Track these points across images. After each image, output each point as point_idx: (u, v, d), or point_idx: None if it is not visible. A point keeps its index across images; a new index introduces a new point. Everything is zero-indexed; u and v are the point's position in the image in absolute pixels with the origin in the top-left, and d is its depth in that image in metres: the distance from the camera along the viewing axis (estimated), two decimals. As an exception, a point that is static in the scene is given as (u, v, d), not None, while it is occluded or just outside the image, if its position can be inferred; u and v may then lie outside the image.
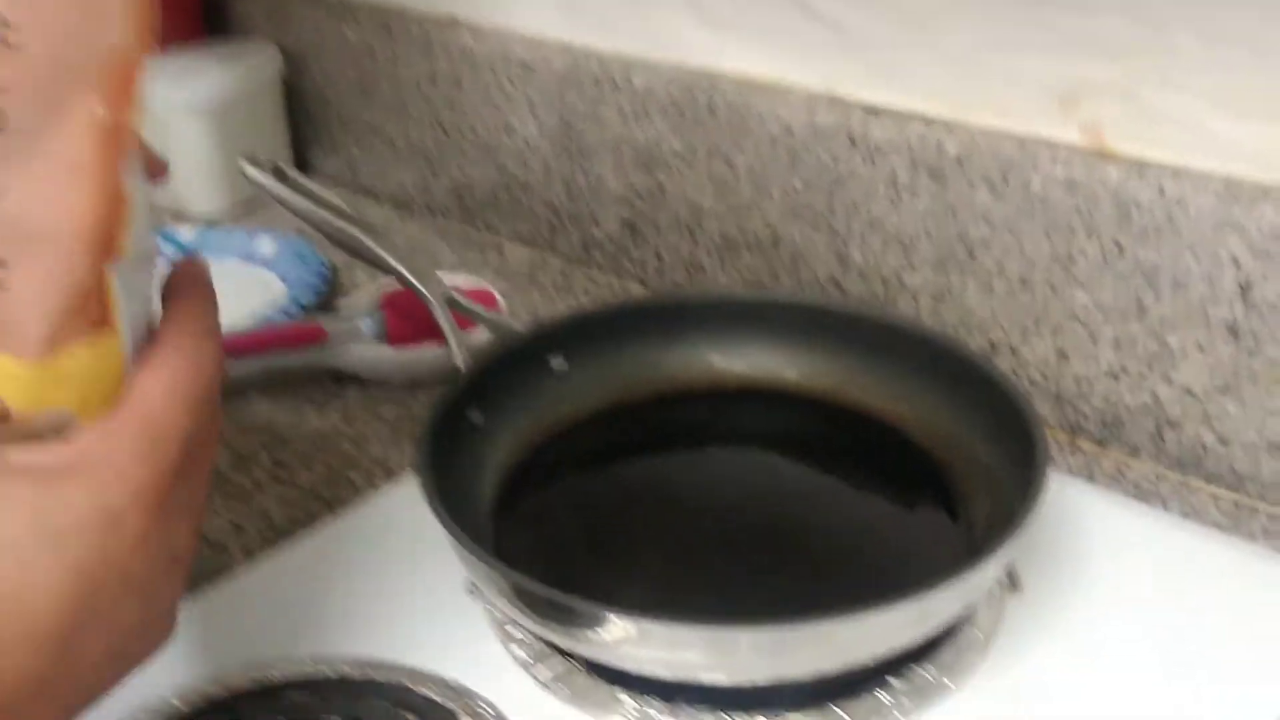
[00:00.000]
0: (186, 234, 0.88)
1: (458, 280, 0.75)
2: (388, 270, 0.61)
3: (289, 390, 0.70)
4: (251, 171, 0.63)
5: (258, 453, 0.64)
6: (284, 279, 0.82)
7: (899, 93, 0.65)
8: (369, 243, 0.61)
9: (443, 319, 0.58)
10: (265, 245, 0.86)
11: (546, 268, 0.85)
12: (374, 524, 0.57)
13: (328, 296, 0.79)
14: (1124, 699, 0.46)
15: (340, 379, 0.71)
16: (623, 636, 0.43)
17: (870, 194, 0.66)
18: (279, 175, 0.64)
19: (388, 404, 0.68)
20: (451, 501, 0.50)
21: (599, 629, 0.43)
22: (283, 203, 0.63)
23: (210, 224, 0.91)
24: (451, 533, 0.46)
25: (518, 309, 0.79)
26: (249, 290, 0.82)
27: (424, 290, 0.59)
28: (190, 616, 0.52)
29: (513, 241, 0.88)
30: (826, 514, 0.56)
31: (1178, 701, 0.46)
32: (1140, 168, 0.56)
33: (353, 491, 0.61)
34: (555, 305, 0.80)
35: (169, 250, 0.87)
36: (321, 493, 0.61)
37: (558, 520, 0.55)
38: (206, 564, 0.56)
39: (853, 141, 0.66)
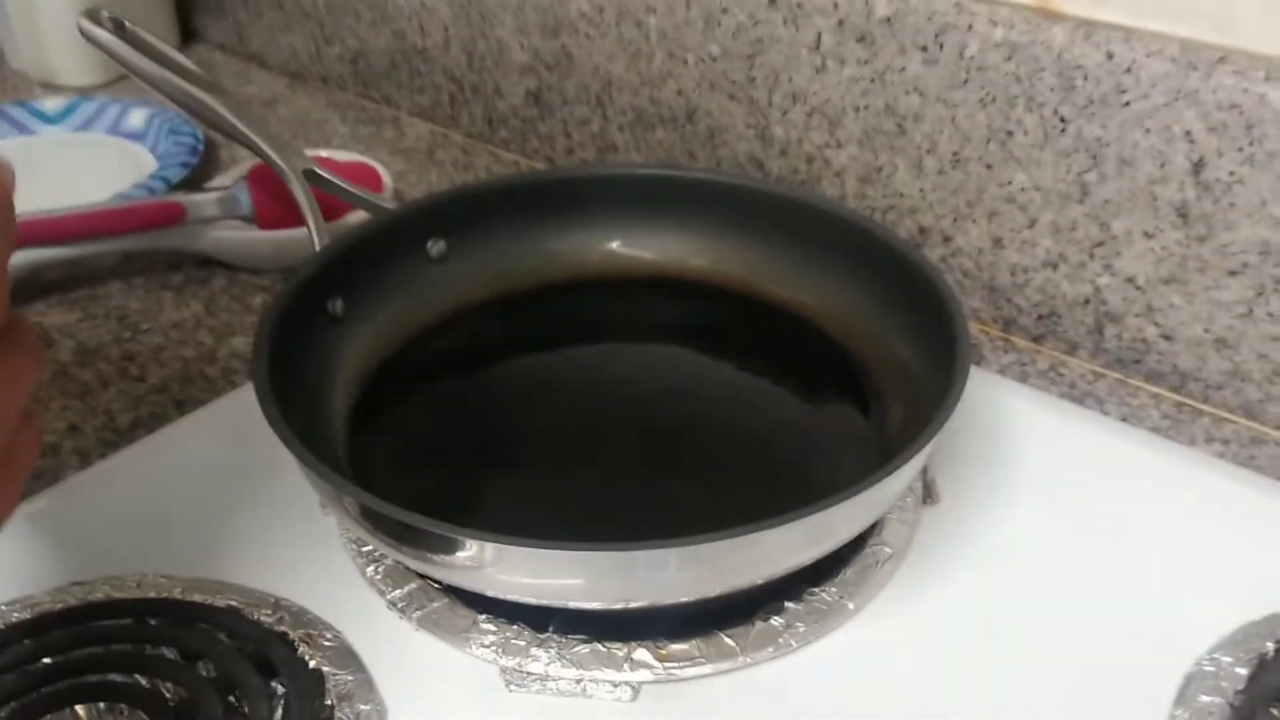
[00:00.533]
0: (51, 106, 0.79)
1: (338, 155, 0.68)
2: (240, 140, 0.54)
3: (147, 276, 0.63)
4: (88, 27, 0.55)
5: (105, 345, 0.58)
6: (155, 154, 0.75)
7: (826, -55, 0.58)
8: (216, 106, 0.53)
9: (299, 193, 0.51)
10: (136, 118, 0.78)
11: (447, 145, 0.78)
12: (225, 427, 0.51)
13: (201, 174, 0.71)
14: (1048, 622, 0.41)
15: (207, 264, 0.64)
16: (476, 561, 0.37)
17: (792, 61, 0.59)
18: (121, 32, 0.56)
19: (259, 293, 0.62)
20: (296, 404, 0.44)
21: (452, 553, 0.38)
22: (124, 64, 0.56)
23: (82, 95, 0.82)
24: (284, 439, 0.40)
25: (414, 190, 0.72)
26: (116, 166, 0.74)
27: (278, 160, 0.52)
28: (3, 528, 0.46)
29: (412, 116, 0.81)
30: (732, 417, 0.50)
31: (1109, 623, 0.41)
32: (1088, 29, 0.50)
33: (207, 390, 0.54)
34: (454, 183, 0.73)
35: (34, 124, 0.79)
36: (172, 391, 0.55)
37: (427, 426, 0.49)
38: (35, 469, 0.50)
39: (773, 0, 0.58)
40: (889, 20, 0.55)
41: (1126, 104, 0.49)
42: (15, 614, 0.41)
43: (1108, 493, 0.47)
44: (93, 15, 0.57)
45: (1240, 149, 0.47)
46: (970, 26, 0.52)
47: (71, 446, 0.51)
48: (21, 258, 0.59)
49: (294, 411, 0.43)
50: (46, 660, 0.39)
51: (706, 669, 0.39)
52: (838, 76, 0.58)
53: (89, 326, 0.59)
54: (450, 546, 0.37)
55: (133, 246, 0.62)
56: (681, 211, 0.56)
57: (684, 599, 0.38)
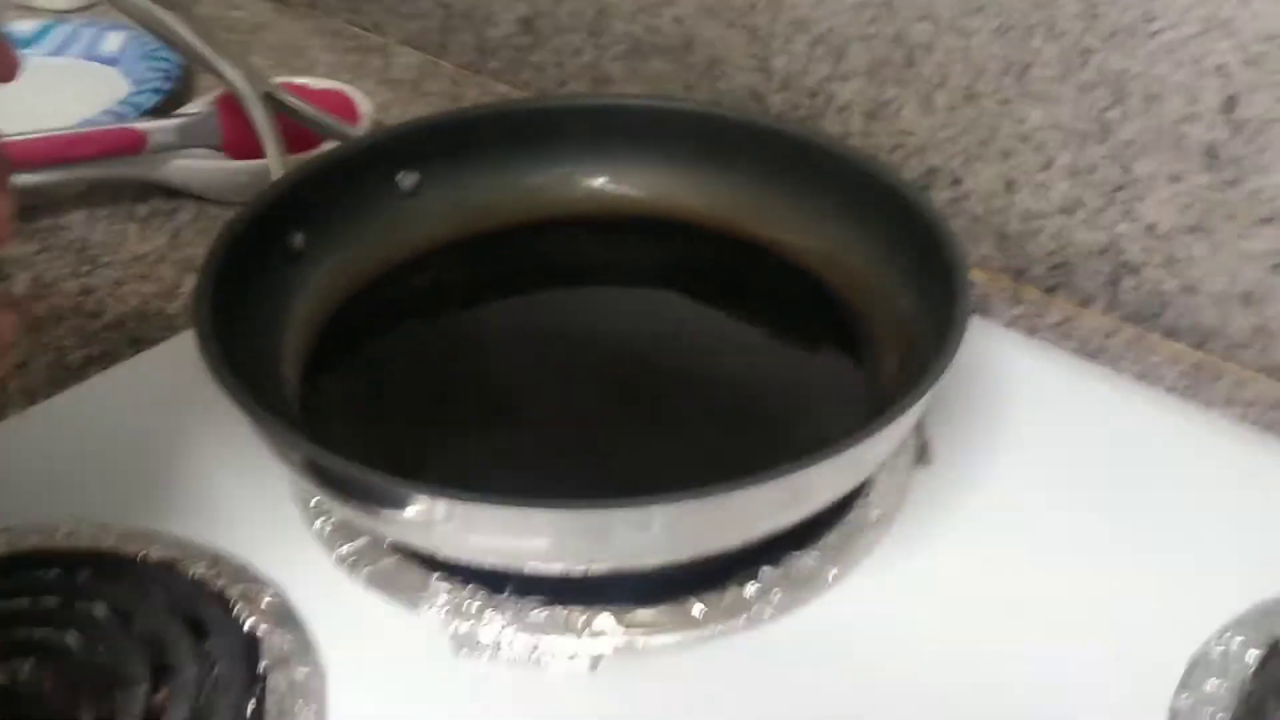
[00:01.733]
0: (24, 29, 0.76)
1: (315, 83, 0.64)
2: (200, 62, 0.50)
3: (112, 207, 0.60)
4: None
5: (63, 278, 0.55)
6: (130, 80, 0.71)
7: None
8: (176, 26, 0.50)
9: (258, 117, 0.48)
10: (112, 42, 0.74)
11: (436, 75, 0.74)
12: (178, 368, 0.47)
13: (176, 101, 0.68)
14: (1045, 596, 0.38)
15: (175, 196, 0.60)
16: (426, 518, 0.34)
17: (796, -14, 0.55)
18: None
19: (228, 226, 0.59)
20: (245, 345, 0.41)
21: (400, 509, 0.35)
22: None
23: (58, 19, 0.78)
24: (219, 378, 0.37)
25: (398, 122, 0.68)
26: (89, 91, 0.70)
27: (237, 81, 0.48)
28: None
29: (401, 44, 0.77)
30: (718, 367, 0.47)
31: (1112, 599, 0.38)
32: (1116, -49, 0.46)
33: (164, 328, 0.51)
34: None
35: (8, 46, 0.75)
36: (128, 328, 0.52)
37: (389, 372, 0.46)
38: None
39: (777, -81, 0.54)
40: (899, -59, 0.51)
41: (1155, 34, 0.45)
42: (-63, 561, 0.38)
43: (1118, 457, 0.44)
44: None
45: (1278, 84, 0.43)
46: (987, -53, 0.48)
47: (19, 385, 0.48)
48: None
49: (241, 352, 0.40)
50: (-35, 612, 0.36)
51: (672, 638, 0.37)
52: (844, 2, 0.54)
53: (47, 259, 0.56)
54: (398, 501, 0.35)
55: (96, 175, 0.59)
56: (673, 147, 0.53)
57: (648, 563, 0.35)
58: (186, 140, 0.57)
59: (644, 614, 0.37)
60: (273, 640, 0.36)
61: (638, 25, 0.62)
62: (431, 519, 0.34)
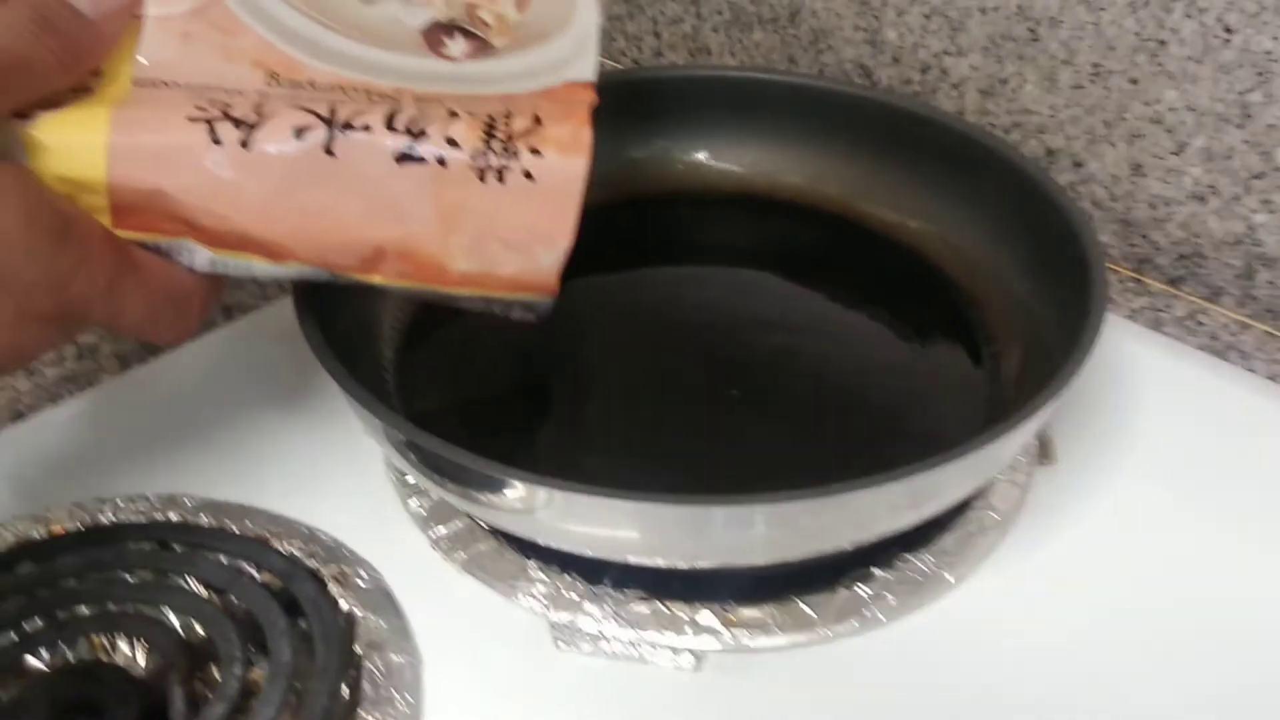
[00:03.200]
0: None
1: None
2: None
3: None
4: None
5: (155, 243, 0.54)
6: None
7: None
8: None
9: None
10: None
11: (529, 43, 0.72)
12: (270, 337, 0.47)
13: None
14: (1174, 607, 0.36)
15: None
16: (527, 505, 0.33)
17: (913, -46, 0.52)
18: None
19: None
20: (341, 317, 0.40)
21: (499, 494, 0.33)
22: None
23: None
24: (323, 360, 0.35)
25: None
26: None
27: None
28: (30, 435, 0.43)
29: (493, 10, 0.75)
30: (823, 354, 0.45)
31: (1243, 612, 0.36)
32: (1269, -80, 0.43)
33: (256, 295, 0.51)
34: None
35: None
36: (222, 295, 0.51)
37: (484, 350, 0.44)
38: (70, 371, 0.47)
39: (896, -116, 0.52)
40: (1029, -92, 0.48)
41: (1309, 11, 0.42)
42: (33, 530, 0.38)
43: (1249, 460, 0.41)
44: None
45: None
46: (1126, -85, 0.45)
47: (110, 349, 0.48)
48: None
49: (338, 325, 0.39)
50: (62, 584, 0.36)
51: (780, 639, 0.35)
52: (964, -27, 0.51)
53: (139, 222, 0.55)
54: (498, 487, 0.33)
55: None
56: (776, 121, 0.51)
57: (759, 562, 0.34)
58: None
59: (749, 612, 0.35)
60: (368, 624, 0.35)
61: (741, -6, 0.60)
62: (530, 506, 0.33)
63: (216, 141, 0.32)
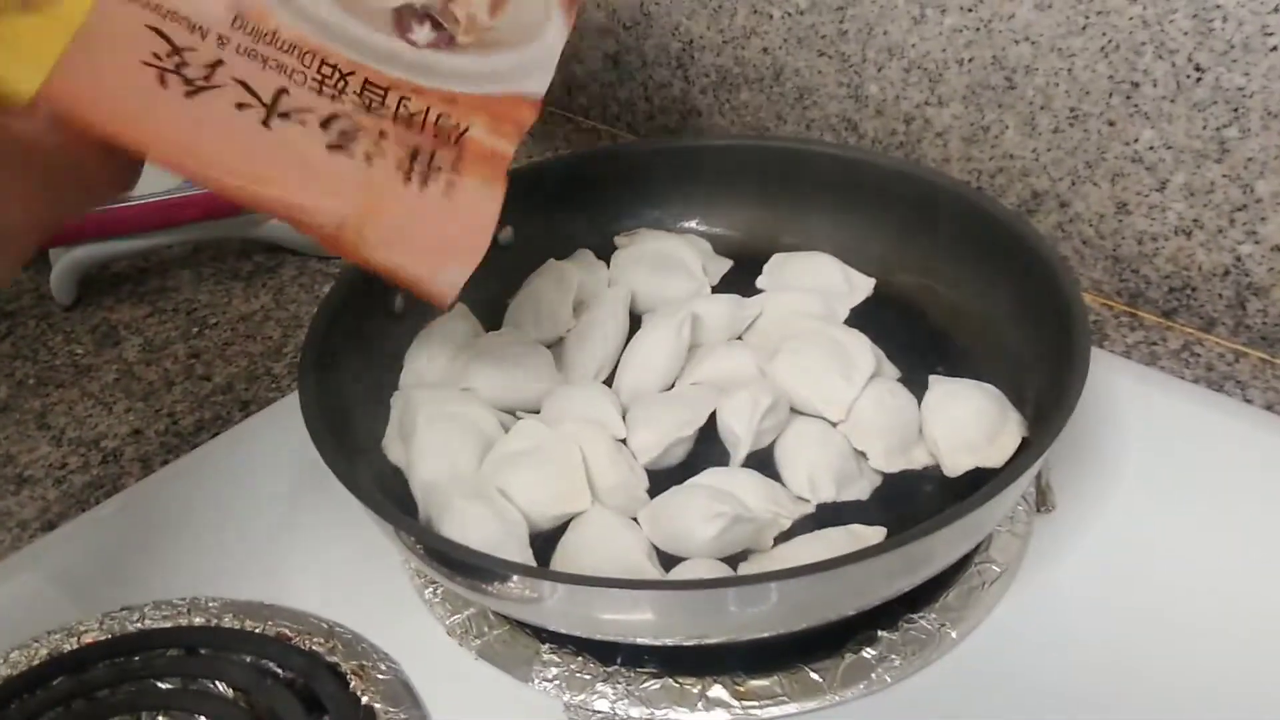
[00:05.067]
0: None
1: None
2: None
3: (218, 265, 0.61)
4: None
5: (173, 342, 0.56)
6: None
7: (923, -121, 0.52)
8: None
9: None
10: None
11: (525, 113, 0.74)
12: (285, 432, 0.47)
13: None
14: (1183, 649, 0.36)
15: (277, 251, 0.61)
16: (530, 597, 0.34)
17: (887, 11, 0.54)
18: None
19: (328, 281, 0.59)
20: (349, 413, 0.42)
21: (506, 587, 0.34)
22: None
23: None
24: (334, 469, 0.37)
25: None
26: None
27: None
28: (58, 545, 0.45)
29: (489, 83, 0.77)
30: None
31: (1254, 651, 0.36)
32: (1228, -37, 0.43)
33: (272, 389, 0.52)
34: (531, 158, 0.69)
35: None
36: (237, 390, 0.52)
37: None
38: (95, 477, 0.48)
39: (865, -55, 0.53)
40: (995, -38, 0.49)
41: (1274, 48, 0.43)
42: (63, 643, 0.39)
43: (1252, 494, 0.41)
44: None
45: None
46: (1088, -35, 0.46)
47: (134, 453, 0.49)
48: (91, 250, 0.58)
49: (346, 420, 0.41)
50: (93, 695, 0.37)
51: (790, 708, 0.36)
52: (938, 26, 0.52)
53: (157, 322, 0.57)
54: (504, 580, 0.34)
55: (202, 236, 0.60)
56: (764, 184, 0.52)
57: (760, 635, 0.35)
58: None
59: (758, 683, 0.36)
60: (389, 717, 0.36)
61: (725, 57, 0.62)
62: (534, 597, 0.34)
63: (163, 86, 0.33)
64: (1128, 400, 0.45)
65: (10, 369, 0.55)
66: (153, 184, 0.61)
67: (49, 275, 0.58)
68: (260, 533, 0.44)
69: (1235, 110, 0.45)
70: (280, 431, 0.48)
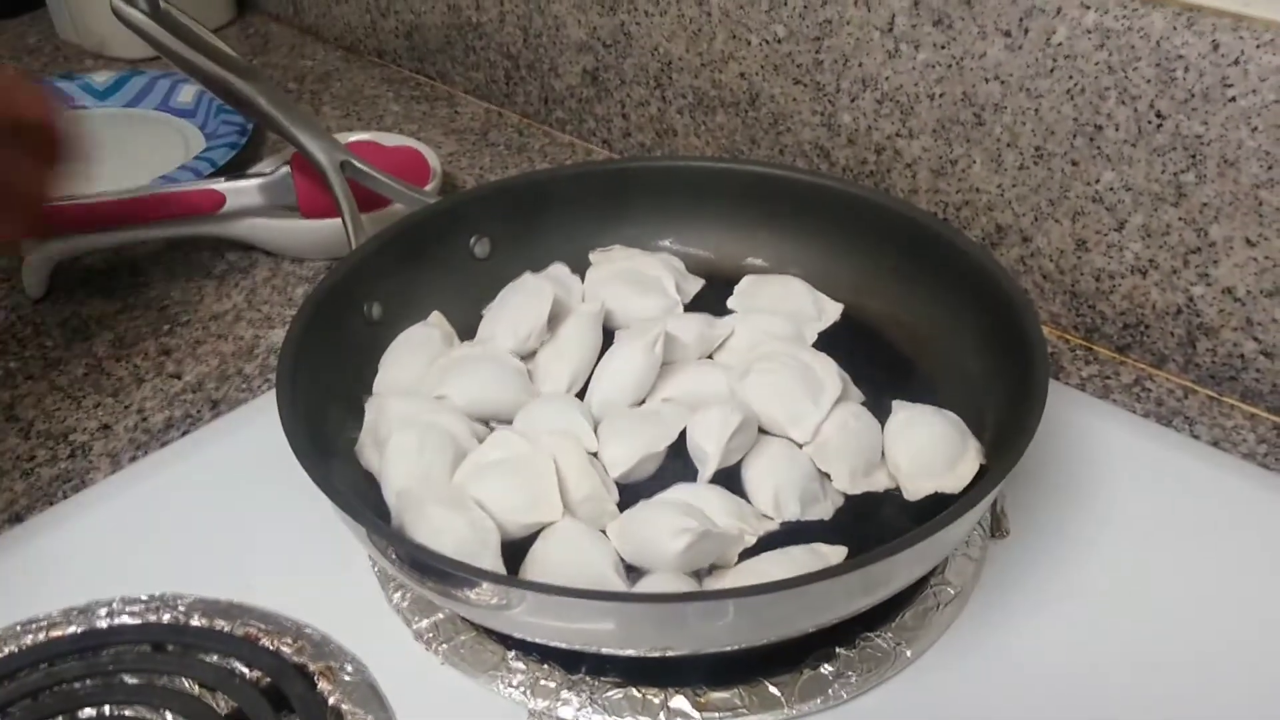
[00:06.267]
0: (101, 80, 0.78)
1: (386, 139, 0.65)
2: (276, 129, 0.51)
3: (191, 263, 0.61)
4: (120, 7, 0.53)
5: (143, 339, 0.56)
6: (205, 132, 0.73)
7: (903, -82, 0.54)
8: (253, 95, 0.51)
9: (336, 188, 0.49)
10: (186, 94, 0.76)
11: (501, 125, 0.75)
12: (256, 433, 0.49)
13: (249, 155, 0.69)
14: (1130, 674, 0.38)
15: (250, 251, 0.62)
16: (495, 604, 0.35)
17: (863, 44, 0.55)
18: (155, 12, 0.54)
19: (301, 284, 0.60)
20: (325, 417, 0.42)
21: (474, 593, 0.35)
22: (157, 47, 0.53)
23: (133, 69, 0.80)
24: (309, 470, 0.37)
25: (464, 174, 0.69)
26: (165, 144, 0.72)
27: (314, 153, 0.49)
28: (26, 538, 0.45)
29: (466, 94, 0.78)
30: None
31: (1198, 675, 0.38)
32: (1191, 15, 0.45)
33: (243, 389, 0.53)
34: (507, 170, 0.70)
35: (84, 99, 0.77)
36: (208, 389, 0.53)
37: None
38: (63, 471, 0.48)
39: (844, -21, 0.54)
40: (969, 1, 0.50)
41: (1232, 99, 0.45)
42: (29, 636, 0.39)
43: (1198, 527, 0.43)
44: (128, -6, 0.55)
45: (1360, 152, 0.43)
46: (1059, 10, 0.48)
47: (102, 448, 0.50)
48: (63, 244, 0.58)
49: (321, 424, 0.41)
50: (58, 688, 0.37)
51: (751, 720, 0.37)
52: (911, 61, 0.54)
53: (128, 318, 0.57)
54: (474, 586, 0.35)
55: (175, 234, 0.60)
56: (738, 207, 0.53)
57: (726, 648, 0.36)
58: (263, 201, 0.58)
59: (719, 696, 0.37)
60: (355, 718, 0.36)
61: (703, 80, 0.63)
62: (503, 604, 0.35)
63: None
64: (1081, 431, 0.47)
65: (-22, 359, 0.55)
66: (124, 174, 0.61)
67: (20, 266, 0.58)
68: (229, 532, 0.44)
69: (1193, 156, 0.47)
70: (251, 432, 0.49)
